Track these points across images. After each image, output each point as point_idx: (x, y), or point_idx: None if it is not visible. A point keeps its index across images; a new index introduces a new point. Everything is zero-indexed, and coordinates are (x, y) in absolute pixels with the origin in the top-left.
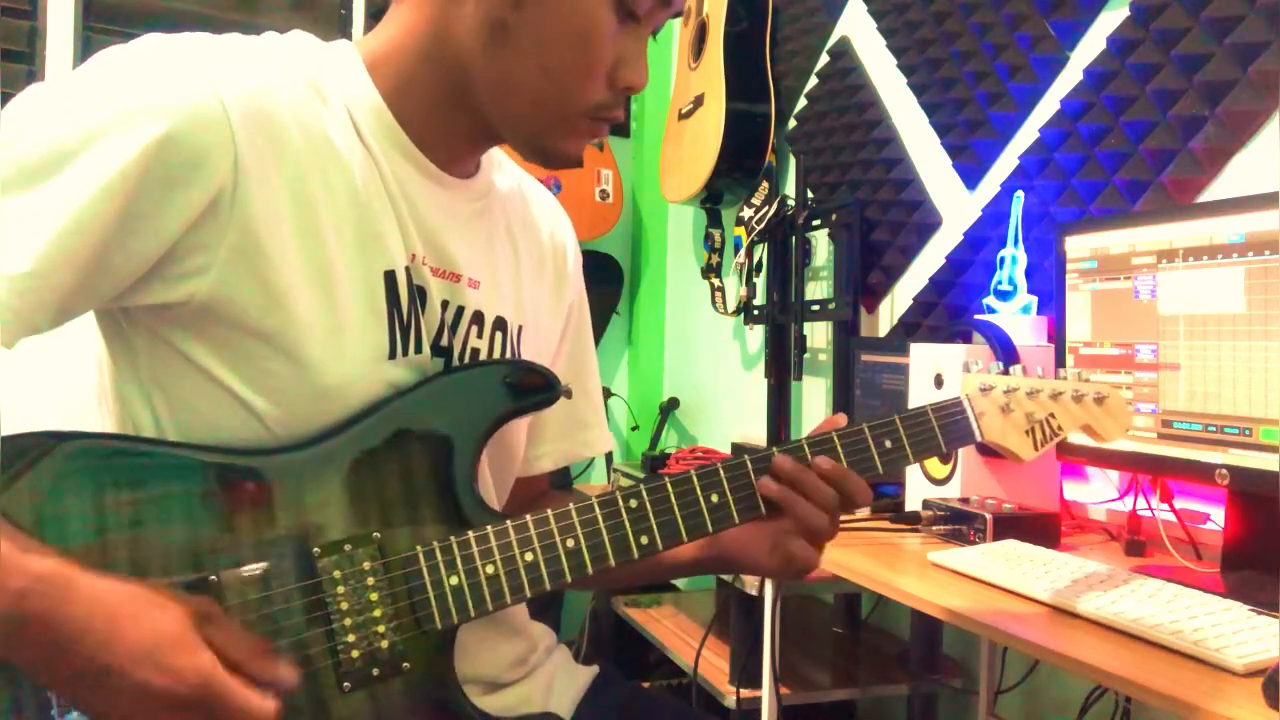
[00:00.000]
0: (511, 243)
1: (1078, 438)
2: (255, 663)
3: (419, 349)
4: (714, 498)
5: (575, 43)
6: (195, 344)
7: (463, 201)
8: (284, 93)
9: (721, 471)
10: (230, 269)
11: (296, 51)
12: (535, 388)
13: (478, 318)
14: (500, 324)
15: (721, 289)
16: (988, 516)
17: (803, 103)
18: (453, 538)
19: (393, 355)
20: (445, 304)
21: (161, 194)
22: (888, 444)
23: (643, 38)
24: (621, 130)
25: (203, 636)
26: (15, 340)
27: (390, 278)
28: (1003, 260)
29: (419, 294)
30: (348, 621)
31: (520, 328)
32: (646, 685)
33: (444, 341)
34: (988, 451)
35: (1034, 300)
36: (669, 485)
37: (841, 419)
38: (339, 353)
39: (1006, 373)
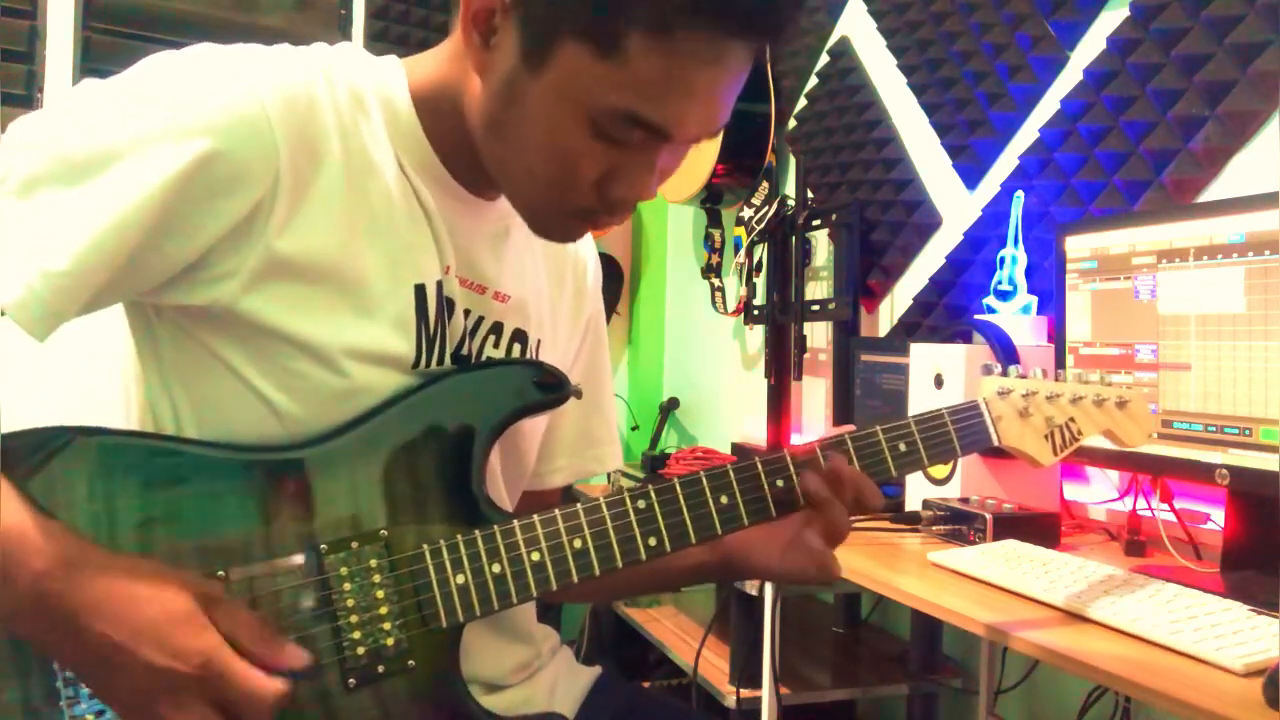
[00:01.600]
0: (534, 258)
1: (1093, 439)
2: (262, 646)
3: (441, 360)
4: (723, 499)
5: (547, 155)
6: (220, 340)
7: (489, 221)
8: (329, 106)
9: (731, 473)
10: (260, 276)
11: (344, 64)
12: (545, 386)
13: (497, 328)
14: (519, 336)
15: (721, 289)
16: (988, 516)
17: (803, 103)
18: (460, 536)
19: (416, 365)
20: (468, 313)
21: (202, 204)
22: (902, 447)
23: (649, 155)
24: None
25: (210, 618)
26: (47, 335)
27: (420, 291)
28: (1003, 260)
29: (447, 305)
30: (354, 619)
31: (539, 341)
32: (646, 685)
33: (464, 350)
34: (995, 453)
35: (1034, 300)
36: (678, 486)
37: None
38: (363, 360)
39: (1025, 376)
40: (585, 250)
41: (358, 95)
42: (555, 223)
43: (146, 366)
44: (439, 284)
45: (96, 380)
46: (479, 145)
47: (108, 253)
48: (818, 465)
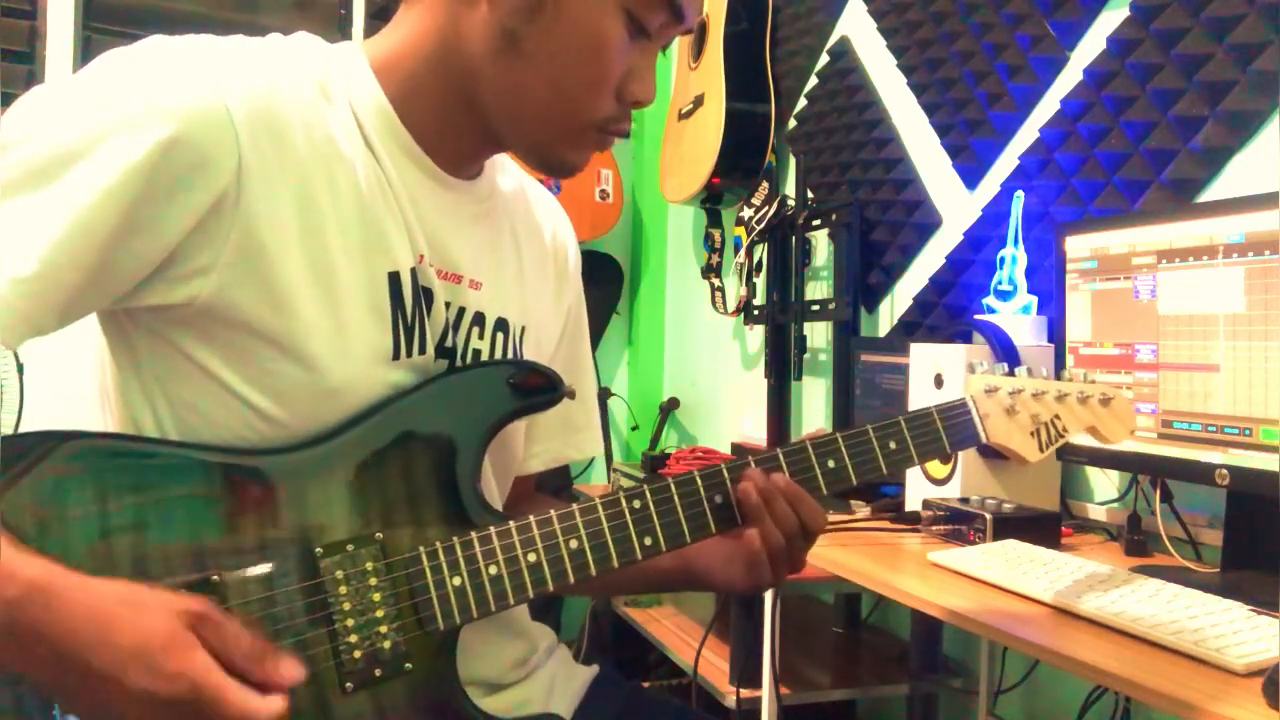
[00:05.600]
0: (515, 244)
1: (1080, 437)
2: (256, 663)
3: (423, 350)
4: (717, 499)
5: (586, 56)
6: (198, 344)
7: (467, 204)
8: (289, 94)
9: (725, 473)
10: (233, 270)
11: (302, 53)
12: (538, 388)
13: (479, 319)
14: (501, 325)
15: (721, 289)
16: (988, 516)
17: (803, 103)
18: (455, 538)
19: (396, 356)
20: (448, 305)
21: (166, 196)
22: (892, 445)
23: (652, 53)
24: None
25: (198, 637)
26: (20, 341)
27: (394, 279)
28: (1003, 260)
29: (424, 295)
30: (350, 622)
31: (523, 329)
32: (646, 685)
33: (448, 343)
34: (990, 452)
35: (1034, 300)
36: (672, 486)
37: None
38: (342, 353)
39: (1012, 374)
40: (565, 236)
41: (319, 83)
42: (572, 142)
43: (125, 377)
44: (413, 272)
45: (72, 395)
46: (482, 85)
47: (76, 253)
48: (810, 465)
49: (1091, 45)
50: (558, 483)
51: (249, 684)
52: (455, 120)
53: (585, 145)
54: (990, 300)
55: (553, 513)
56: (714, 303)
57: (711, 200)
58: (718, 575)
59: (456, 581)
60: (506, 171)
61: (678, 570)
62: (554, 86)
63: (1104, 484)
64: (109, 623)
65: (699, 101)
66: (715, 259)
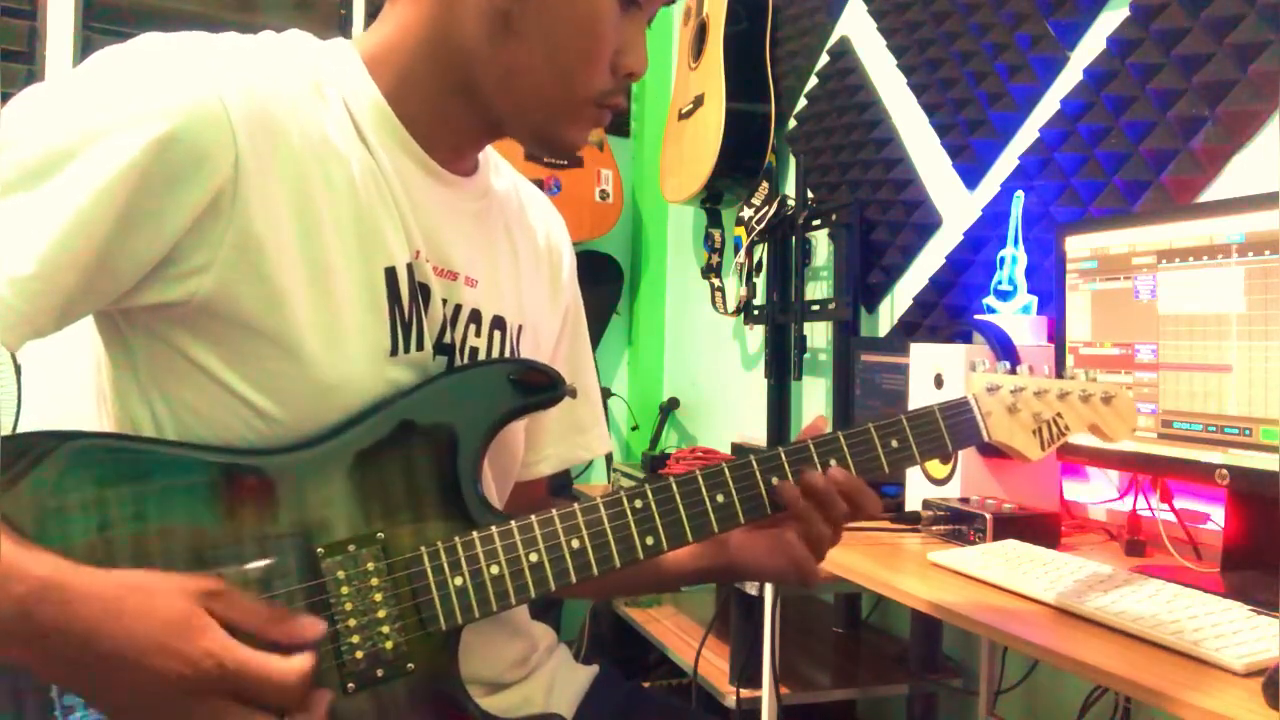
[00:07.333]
0: (510, 243)
1: (1080, 437)
2: (272, 627)
3: (420, 346)
4: (719, 498)
5: (580, 31)
6: (195, 343)
7: (464, 200)
8: (284, 91)
9: (727, 471)
10: (231, 267)
11: (295, 50)
12: (540, 386)
13: (475, 316)
14: (499, 323)
15: (721, 289)
16: (988, 516)
17: (803, 103)
18: (457, 538)
19: (394, 353)
20: (445, 301)
21: (162, 194)
22: (894, 444)
23: (641, 24)
24: (621, 130)
25: (212, 614)
26: (21, 343)
27: (391, 275)
28: (1003, 260)
29: (421, 291)
30: (351, 622)
31: (520, 327)
32: (646, 685)
33: (446, 339)
34: (989, 451)
35: (1034, 300)
36: (674, 485)
37: (823, 423)
38: (339, 350)
39: (1013, 372)
40: (559, 237)
41: (313, 81)
42: (571, 119)
43: (122, 377)
44: (409, 267)
45: (69, 395)
46: (478, 69)
47: (74, 252)
48: (812, 464)
49: (1091, 45)
50: (558, 482)
51: (271, 648)
52: (451, 110)
53: (584, 121)
54: (990, 300)
55: (554, 513)
56: (714, 303)
57: (711, 200)
58: (763, 564)
59: (458, 581)
60: (501, 173)
61: (720, 567)
62: (551, 63)
63: (1104, 484)
64: (123, 610)
65: (699, 101)
66: (715, 259)
